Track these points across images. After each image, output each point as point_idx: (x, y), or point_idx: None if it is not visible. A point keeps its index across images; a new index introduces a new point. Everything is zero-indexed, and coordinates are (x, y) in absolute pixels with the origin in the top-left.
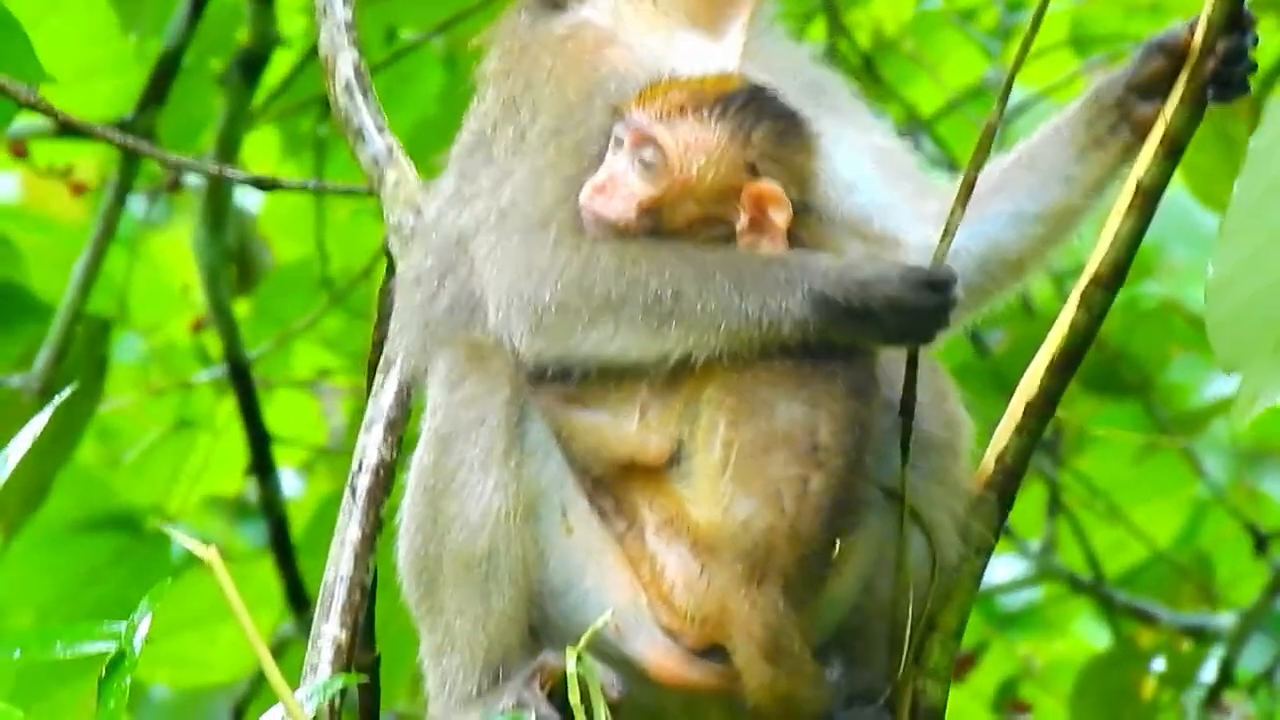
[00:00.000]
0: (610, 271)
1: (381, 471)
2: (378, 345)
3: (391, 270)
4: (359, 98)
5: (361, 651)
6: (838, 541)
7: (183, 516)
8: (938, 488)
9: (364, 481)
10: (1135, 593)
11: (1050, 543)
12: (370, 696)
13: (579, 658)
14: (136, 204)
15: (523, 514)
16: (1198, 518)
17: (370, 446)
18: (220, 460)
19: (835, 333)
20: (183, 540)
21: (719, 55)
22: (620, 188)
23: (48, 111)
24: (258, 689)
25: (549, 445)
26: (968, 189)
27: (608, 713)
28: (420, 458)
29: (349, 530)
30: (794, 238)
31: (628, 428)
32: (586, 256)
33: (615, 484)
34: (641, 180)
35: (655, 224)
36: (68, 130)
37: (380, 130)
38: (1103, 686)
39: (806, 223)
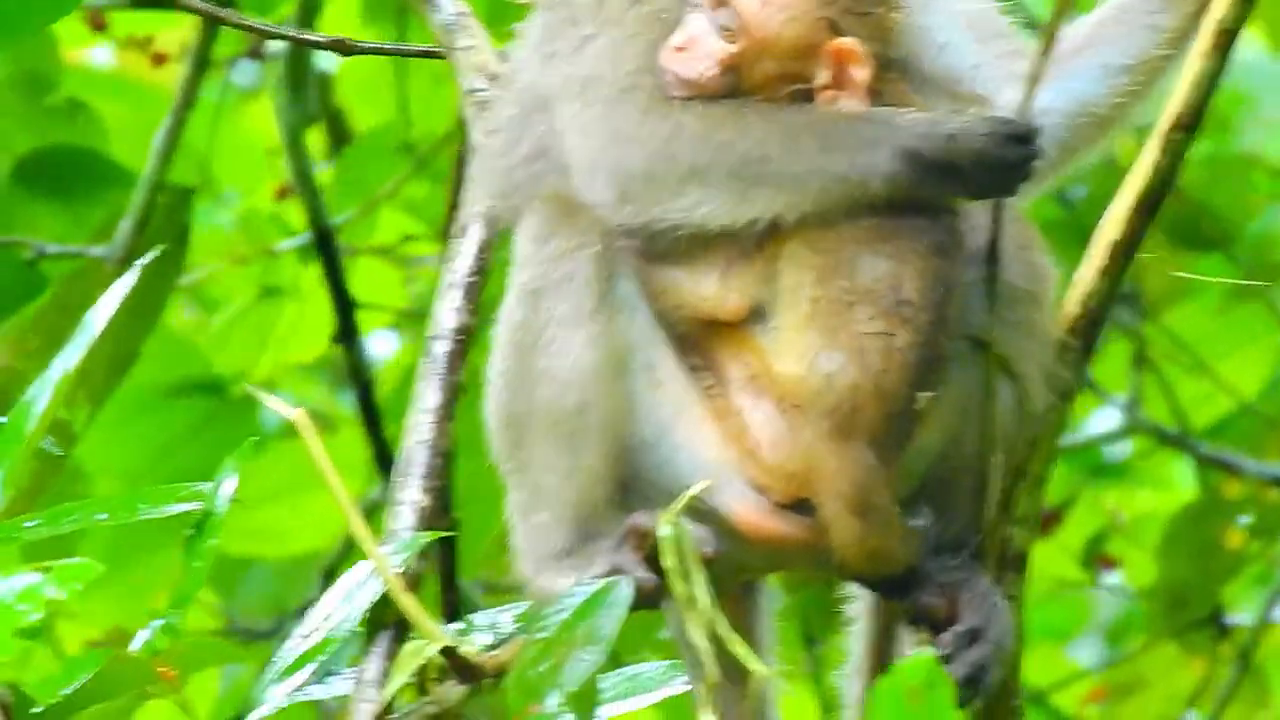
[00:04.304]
0: (696, 137)
1: (460, 336)
2: (454, 210)
3: (466, 136)
4: None
5: (440, 517)
6: (923, 396)
7: (277, 383)
8: (1023, 336)
9: (441, 346)
10: (1222, 445)
11: (1136, 397)
12: (448, 562)
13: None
14: (239, 73)
15: (613, 369)
16: None
17: (447, 311)
18: (307, 328)
19: (922, 188)
20: (271, 403)
21: None
22: (699, 48)
23: None
24: (347, 554)
25: (637, 300)
26: (1049, 38)
27: (704, 575)
28: (509, 314)
29: (428, 396)
30: (876, 94)
31: (706, 286)
32: (673, 124)
33: (702, 340)
34: (720, 40)
35: (736, 83)
36: (146, 1)
37: None
38: (1190, 539)
39: (889, 79)
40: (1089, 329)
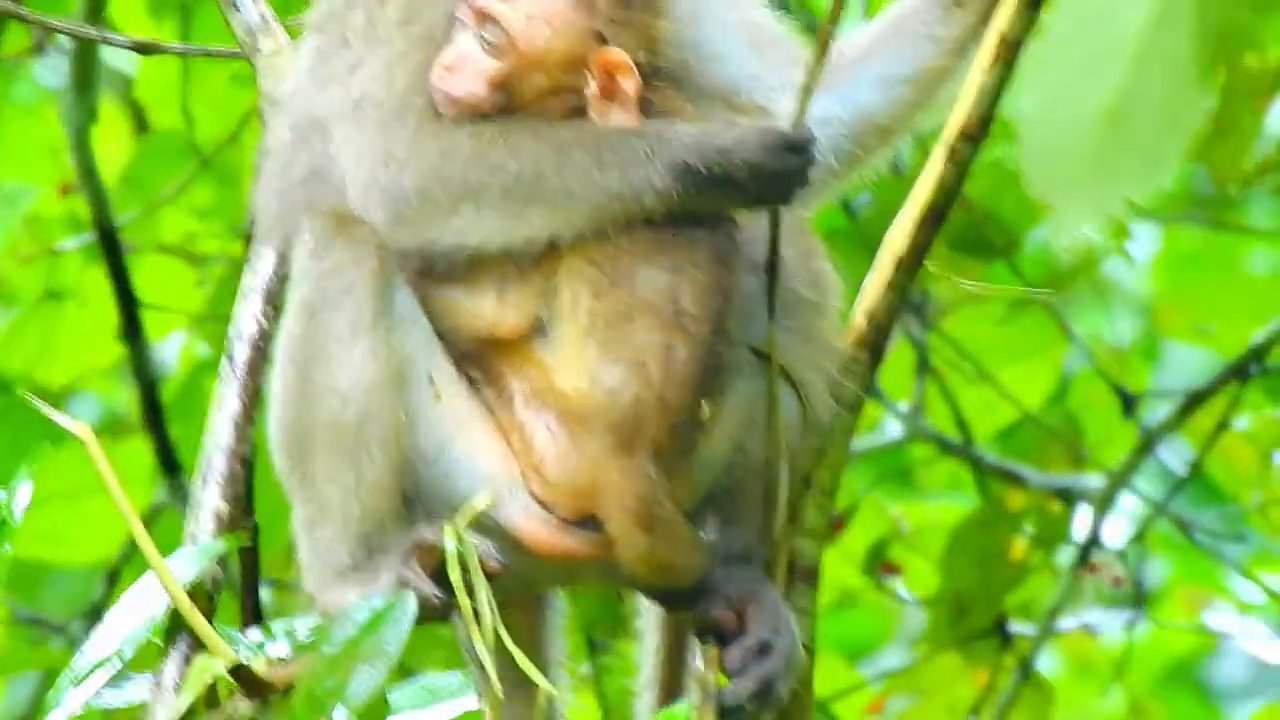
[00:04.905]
0: (468, 157)
1: (261, 342)
2: (254, 213)
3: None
4: None
5: (240, 522)
6: (705, 406)
7: (84, 384)
8: (806, 346)
9: (242, 352)
10: (1005, 455)
11: (919, 405)
12: (250, 565)
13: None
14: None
15: (392, 382)
16: (1067, 380)
17: (248, 316)
18: (97, 329)
19: (697, 200)
20: (53, 415)
21: None
22: (468, 66)
23: None
24: (132, 556)
25: (416, 313)
26: (824, 44)
27: (488, 588)
28: (288, 328)
29: (228, 401)
30: (648, 105)
31: (484, 305)
32: (444, 144)
33: (484, 355)
34: (488, 57)
35: (507, 99)
36: None
37: None
38: (973, 548)
39: (660, 89)
40: (875, 342)
